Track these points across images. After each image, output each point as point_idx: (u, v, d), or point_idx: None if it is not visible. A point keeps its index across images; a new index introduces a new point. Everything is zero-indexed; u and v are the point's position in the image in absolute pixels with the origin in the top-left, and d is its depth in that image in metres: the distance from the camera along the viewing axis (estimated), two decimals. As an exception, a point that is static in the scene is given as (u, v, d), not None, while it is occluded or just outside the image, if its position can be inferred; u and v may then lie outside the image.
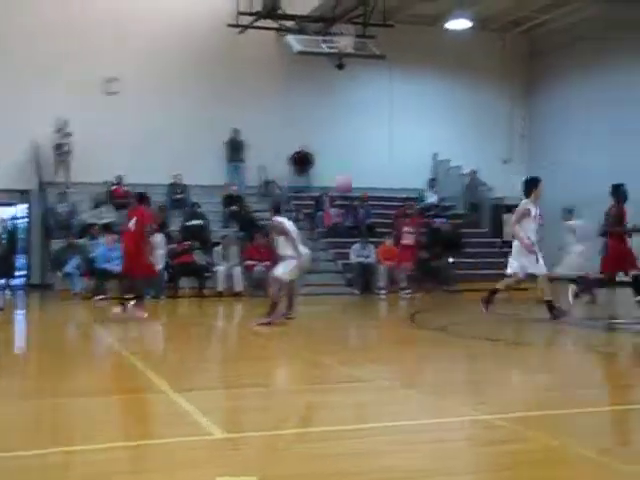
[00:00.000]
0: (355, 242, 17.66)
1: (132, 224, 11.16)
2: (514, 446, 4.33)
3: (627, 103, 19.66)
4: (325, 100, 21.02)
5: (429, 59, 21.60)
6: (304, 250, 10.45)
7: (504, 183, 21.52)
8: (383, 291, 16.75)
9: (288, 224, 10.46)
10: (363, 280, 17.10)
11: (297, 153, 20.36)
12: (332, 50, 18.19)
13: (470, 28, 21.37)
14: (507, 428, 4.69)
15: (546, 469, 3.90)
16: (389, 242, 17.38)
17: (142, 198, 11.61)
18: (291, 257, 10.20)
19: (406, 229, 17.54)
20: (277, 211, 10.78)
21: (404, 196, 20.11)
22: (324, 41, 18.21)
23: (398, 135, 21.51)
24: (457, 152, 21.22)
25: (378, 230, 18.70)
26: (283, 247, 10.30)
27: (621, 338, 10.23)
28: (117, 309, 11.26)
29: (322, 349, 8.79)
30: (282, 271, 10.23)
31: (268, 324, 10.07)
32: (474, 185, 21.32)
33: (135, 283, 11.43)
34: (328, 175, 20.00)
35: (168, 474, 3.79)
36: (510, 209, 20.84)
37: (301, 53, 18.08)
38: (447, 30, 21.25)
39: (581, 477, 3.61)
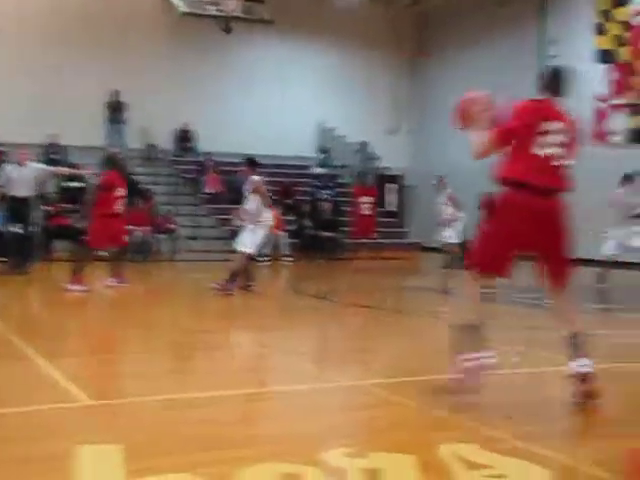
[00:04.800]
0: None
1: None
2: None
3: (511, 73, 20.01)
4: (212, 64, 20.56)
5: (319, 27, 21.44)
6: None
7: (390, 153, 21.78)
8: (266, 258, 16.68)
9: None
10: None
11: (181, 131, 19.96)
12: (219, 13, 17.84)
13: (359, -2, 21.39)
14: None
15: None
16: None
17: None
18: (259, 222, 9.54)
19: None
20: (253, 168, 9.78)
21: (294, 164, 20.07)
22: (211, 3, 17.83)
23: (287, 102, 21.29)
24: (343, 121, 21.24)
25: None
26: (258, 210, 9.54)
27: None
28: None
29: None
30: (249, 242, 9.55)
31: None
32: (363, 156, 21.44)
33: None
34: (213, 141, 19.65)
35: None
36: (394, 179, 21.27)
37: (186, 14, 17.65)
38: (337, -1, 21.21)
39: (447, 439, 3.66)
